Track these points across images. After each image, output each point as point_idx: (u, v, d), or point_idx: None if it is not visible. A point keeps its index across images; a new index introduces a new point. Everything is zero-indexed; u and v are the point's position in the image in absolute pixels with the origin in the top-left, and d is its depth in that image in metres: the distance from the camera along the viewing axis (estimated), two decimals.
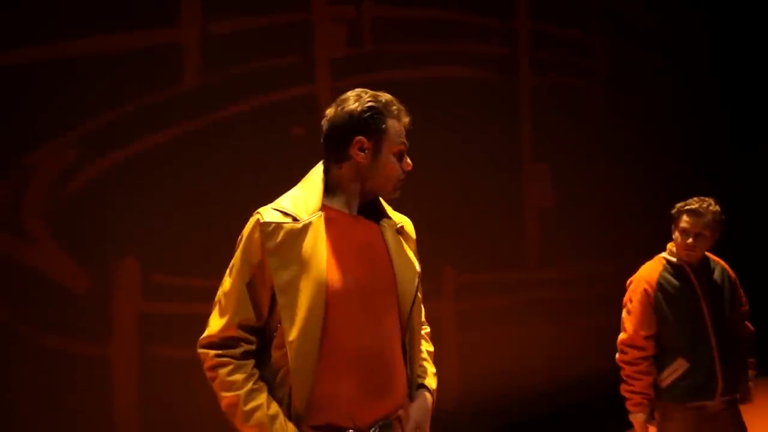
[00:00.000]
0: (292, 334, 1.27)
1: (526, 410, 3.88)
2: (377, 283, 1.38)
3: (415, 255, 1.50)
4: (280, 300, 1.29)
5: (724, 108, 5.36)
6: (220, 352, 1.30)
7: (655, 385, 2.31)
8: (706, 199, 2.31)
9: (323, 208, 1.37)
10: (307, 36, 3.26)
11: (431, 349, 1.59)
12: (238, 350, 1.31)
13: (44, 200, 2.51)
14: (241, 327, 1.32)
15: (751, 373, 2.36)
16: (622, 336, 2.34)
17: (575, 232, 4.33)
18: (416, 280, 1.43)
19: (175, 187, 2.77)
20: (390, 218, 1.48)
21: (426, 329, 1.60)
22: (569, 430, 3.91)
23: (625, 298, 2.40)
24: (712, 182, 3.55)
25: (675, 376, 2.26)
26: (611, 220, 4.55)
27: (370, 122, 1.36)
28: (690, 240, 2.26)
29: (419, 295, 1.45)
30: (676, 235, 2.31)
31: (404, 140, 1.40)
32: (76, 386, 2.54)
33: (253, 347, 1.33)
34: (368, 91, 1.41)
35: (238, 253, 1.35)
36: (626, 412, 2.36)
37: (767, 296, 3.77)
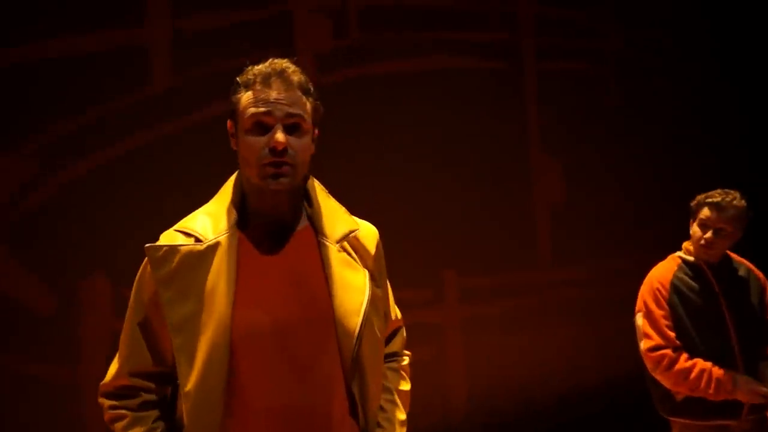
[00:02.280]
0: (189, 384, 1.04)
1: (541, 422, 3.61)
2: (306, 320, 1.09)
3: (378, 273, 1.20)
4: (175, 341, 1.05)
5: (748, 97, 5.00)
6: (115, 402, 1.10)
7: (670, 399, 2.04)
8: (731, 192, 2.05)
9: (238, 224, 1.12)
10: (288, 29, 3.05)
11: (407, 387, 1.28)
12: (136, 401, 1.10)
13: (3, 215, 2.35)
14: (136, 375, 1.10)
15: None
16: (646, 343, 2.04)
17: (590, 228, 4.04)
18: (362, 310, 1.11)
19: (146, 197, 2.59)
20: (336, 229, 1.17)
21: (402, 361, 1.31)
22: None
23: (638, 304, 2.14)
24: (738, 172, 3.24)
25: None
26: (628, 214, 4.24)
27: (230, 101, 1.13)
28: (709, 234, 2.01)
29: (376, 326, 1.15)
30: (695, 229, 2.07)
31: (261, 109, 1.08)
32: (44, 414, 2.37)
33: (154, 397, 1.11)
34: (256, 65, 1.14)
35: (133, 288, 1.13)
36: (655, 417, 2.09)
37: None
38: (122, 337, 1.13)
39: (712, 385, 1.93)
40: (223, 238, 1.09)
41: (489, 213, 3.65)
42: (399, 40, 3.40)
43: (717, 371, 1.95)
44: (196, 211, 1.16)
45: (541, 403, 3.67)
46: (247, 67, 1.14)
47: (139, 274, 1.14)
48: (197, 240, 1.09)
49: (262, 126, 1.09)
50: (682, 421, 2.05)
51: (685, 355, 1.98)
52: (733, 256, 2.16)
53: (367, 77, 3.27)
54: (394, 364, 1.29)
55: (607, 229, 4.13)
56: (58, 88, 2.46)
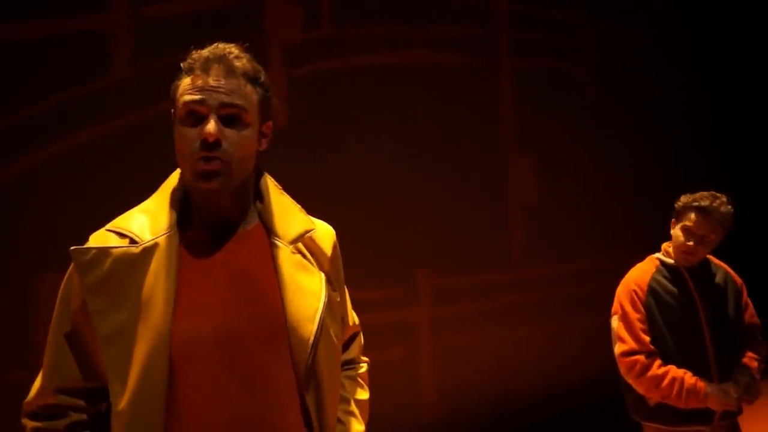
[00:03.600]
0: (122, 402, 0.93)
1: (513, 421, 3.59)
2: (254, 328, 0.99)
3: (335, 276, 1.11)
4: (106, 354, 0.94)
5: (721, 95, 5.06)
6: (38, 424, 0.99)
7: (643, 404, 2.01)
8: (719, 195, 1.96)
9: (179, 224, 1.01)
10: (257, 19, 2.95)
11: (365, 396, 1.19)
12: (63, 421, 0.98)
13: None
14: (63, 392, 0.99)
15: (754, 367, 2.02)
16: (620, 347, 1.99)
17: (563, 227, 4.03)
18: (318, 317, 1.02)
19: (103, 191, 2.46)
20: (290, 229, 1.06)
21: (361, 369, 1.22)
22: None
23: (614, 306, 2.09)
24: (712, 172, 3.26)
25: None
26: (601, 214, 4.25)
27: (171, 87, 1.02)
28: (692, 243, 1.95)
29: (332, 332, 1.06)
30: (677, 232, 1.99)
31: (195, 96, 0.97)
32: None
33: (84, 416, 1.00)
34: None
35: (58, 296, 1.02)
36: (626, 419, 2.07)
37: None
38: (47, 349, 1.01)
39: (683, 395, 1.90)
40: (161, 239, 0.98)
41: (463, 212, 3.61)
42: (373, 33, 3.33)
43: (689, 380, 1.91)
44: (133, 210, 1.05)
45: (513, 403, 3.65)
46: (192, 51, 1.03)
47: (65, 279, 1.02)
48: (132, 241, 0.98)
49: (195, 115, 0.98)
50: (654, 426, 2.01)
51: (658, 362, 1.94)
52: (712, 258, 2.12)
53: (339, 70, 3.18)
54: (351, 372, 1.21)
55: (580, 229, 4.13)
56: (9, 76, 2.32)
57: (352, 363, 1.22)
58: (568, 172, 4.11)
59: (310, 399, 1.01)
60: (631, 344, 1.97)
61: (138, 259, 0.97)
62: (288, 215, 1.08)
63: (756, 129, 5.18)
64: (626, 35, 4.54)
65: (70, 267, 1.01)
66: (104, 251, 0.97)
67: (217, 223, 1.04)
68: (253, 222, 1.07)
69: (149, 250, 0.97)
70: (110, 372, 0.95)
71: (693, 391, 1.90)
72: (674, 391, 1.90)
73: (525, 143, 3.92)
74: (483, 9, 3.79)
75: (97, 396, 1.00)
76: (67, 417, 0.99)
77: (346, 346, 1.21)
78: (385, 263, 3.21)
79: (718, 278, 2.07)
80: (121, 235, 0.99)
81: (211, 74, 0.98)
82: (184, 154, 0.98)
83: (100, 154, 2.49)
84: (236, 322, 0.98)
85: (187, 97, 0.97)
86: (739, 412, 2.01)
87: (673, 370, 1.92)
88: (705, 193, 1.97)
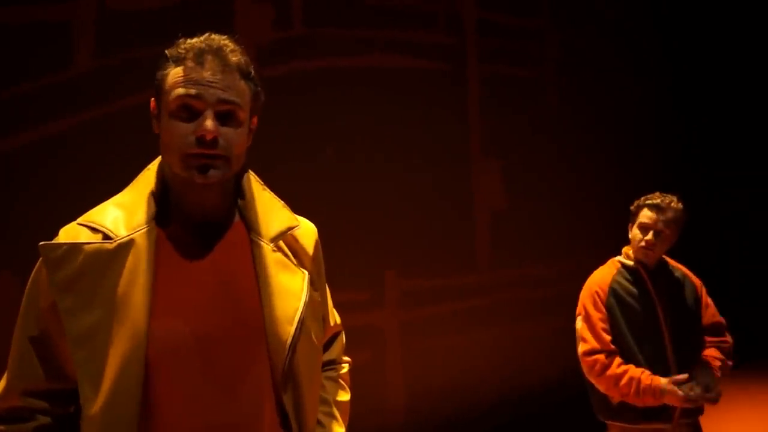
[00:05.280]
0: (95, 406, 0.88)
1: (480, 424, 3.61)
2: (232, 328, 0.95)
3: (317, 275, 1.09)
4: (77, 356, 0.90)
5: (683, 101, 5.24)
6: (3, 428, 0.94)
7: (606, 403, 2.06)
8: (669, 195, 2.09)
9: (156, 219, 0.97)
10: (226, 16, 2.90)
11: (346, 398, 1.17)
12: (30, 424, 0.94)
13: None
14: (30, 394, 0.94)
15: (716, 366, 2.08)
16: (583, 347, 2.05)
17: (529, 231, 4.09)
18: (297, 318, 0.99)
19: (60, 188, 2.37)
20: (272, 225, 1.03)
21: (342, 370, 1.20)
22: None
23: (578, 307, 2.14)
24: (672, 179, 3.36)
25: None
26: (566, 219, 4.33)
27: (156, 76, 0.96)
28: (649, 236, 2.03)
29: (313, 332, 1.03)
30: (635, 232, 2.08)
31: (190, 91, 0.93)
32: None
33: (49, 420, 0.95)
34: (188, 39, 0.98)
35: (24, 294, 0.97)
36: (587, 419, 2.12)
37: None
38: (12, 350, 0.96)
39: (640, 393, 1.95)
40: (138, 235, 0.94)
41: (430, 215, 3.62)
42: (343, 35, 3.31)
43: (645, 379, 1.96)
44: (106, 203, 1.00)
45: (480, 405, 3.67)
46: (180, 39, 0.99)
47: (32, 276, 0.97)
48: (106, 237, 0.93)
49: (189, 110, 0.94)
50: (618, 425, 2.06)
51: (618, 361, 2.00)
52: (670, 260, 2.20)
53: (308, 72, 3.16)
54: (332, 373, 1.18)
55: (545, 233, 4.20)
56: None
57: (333, 363, 1.19)
58: (535, 177, 4.18)
59: (288, 401, 0.98)
60: (593, 344, 2.03)
61: (112, 256, 0.92)
62: (270, 212, 1.05)
63: (725, 131, 5.37)
64: (591, 42, 4.66)
65: (38, 264, 0.96)
66: (76, 247, 0.92)
67: (198, 220, 1.00)
68: (234, 219, 1.03)
69: (124, 246, 0.93)
70: (81, 374, 0.90)
71: (649, 390, 1.95)
72: (632, 390, 1.96)
73: (492, 148, 3.97)
74: (451, 15, 3.82)
75: (66, 398, 0.95)
76: (34, 420, 0.94)
77: (327, 346, 1.19)
78: (352, 265, 3.19)
79: (676, 278, 2.14)
80: (94, 230, 0.94)
81: (206, 67, 0.94)
82: (174, 148, 0.94)
83: (58, 150, 2.39)
84: (214, 323, 0.95)
85: (181, 90, 0.93)
86: (700, 411, 2.07)
87: (632, 370, 1.98)
88: (656, 193, 2.10)
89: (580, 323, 2.10)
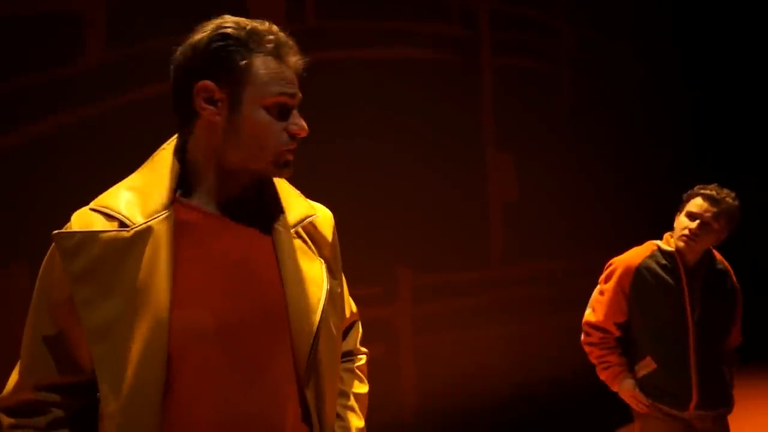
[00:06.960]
0: (114, 402, 0.86)
1: (492, 419, 3.59)
2: (255, 318, 0.93)
3: (333, 262, 1.06)
4: (95, 350, 0.87)
5: (698, 98, 5.14)
6: (14, 421, 0.91)
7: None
8: (727, 189, 1.98)
9: (174, 205, 0.93)
10: (239, 9, 2.87)
11: (364, 390, 1.14)
12: (44, 418, 0.91)
13: None
14: (43, 388, 0.91)
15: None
16: (588, 316, 2.07)
17: (542, 226, 4.04)
18: (320, 306, 0.96)
19: (74, 181, 2.36)
20: (290, 213, 1.01)
21: (359, 361, 1.17)
22: None
23: (601, 277, 2.10)
24: (692, 172, 3.29)
25: (643, 372, 2.01)
26: (580, 213, 4.28)
27: (220, 58, 0.91)
28: (694, 225, 1.91)
29: (332, 323, 1.00)
30: (681, 219, 1.97)
31: (288, 90, 0.94)
32: None
33: (66, 413, 0.92)
34: (236, 18, 0.96)
35: (36, 285, 0.94)
36: (599, 415, 2.15)
37: None
38: (25, 342, 0.93)
39: (605, 375, 2.06)
40: (155, 222, 0.90)
41: (443, 210, 3.59)
42: (356, 28, 3.28)
43: (616, 368, 2.03)
44: (118, 186, 0.96)
45: (492, 400, 3.64)
46: (226, 19, 0.95)
47: (44, 266, 0.94)
48: (122, 224, 0.90)
49: (284, 108, 0.95)
50: (645, 411, 2.03)
51: (611, 340, 2.03)
52: (718, 257, 2.07)
53: (321, 64, 3.13)
54: (349, 365, 1.15)
55: (559, 228, 4.15)
56: None
57: (350, 354, 1.17)
58: (548, 171, 4.13)
59: (309, 394, 0.96)
60: (598, 317, 2.04)
61: (130, 245, 0.89)
62: (288, 200, 1.04)
63: (737, 129, 5.28)
64: (605, 35, 4.59)
65: (48, 254, 0.93)
66: (91, 236, 0.89)
67: (221, 206, 0.97)
68: (255, 206, 1.01)
69: (142, 234, 0.89)
70: (100, 368, 0.87)
71: (611, 377, 2.03)
72: (600, 370, 2.06)
73: (505, 142, 3.92)
74: (464, 7, 3.77)
75: (80, 391, 0.93)
76: (48, 413, 0.92)
77: (344, 335, 1.16)
78: (364, 260, 3.16)
79: (719, 277, 2.02)
80: (109, 217, 0.91)
81: (291, 64, 0.96)
82: (264, 141, 0.94)
83: (69, 142, 2.39)
84: (238, 312, 0.92)
85: (280, 89, 0.94)
86: (728, 407, 2.01)
87: (615, 355, 2.03)
88: (714, 184, 2.00)
89: (596, 291, 2.09)
